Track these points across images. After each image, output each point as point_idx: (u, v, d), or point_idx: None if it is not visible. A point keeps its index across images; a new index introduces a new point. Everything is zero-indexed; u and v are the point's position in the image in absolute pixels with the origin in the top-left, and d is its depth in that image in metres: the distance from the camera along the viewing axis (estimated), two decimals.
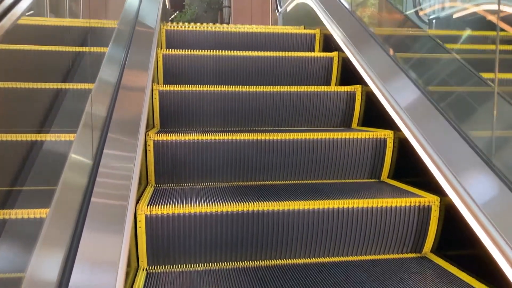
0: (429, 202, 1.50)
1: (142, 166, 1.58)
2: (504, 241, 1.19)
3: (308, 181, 1.86)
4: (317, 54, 2.64)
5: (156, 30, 2.45)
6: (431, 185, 1.54)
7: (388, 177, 1.90)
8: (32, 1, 1.23)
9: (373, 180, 1.89)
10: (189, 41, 2.91)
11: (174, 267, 1.40)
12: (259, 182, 1.83)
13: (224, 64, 2.50)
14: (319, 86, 2.22)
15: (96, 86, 1.59)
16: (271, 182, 1.84)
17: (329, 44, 2.80)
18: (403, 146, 1.78)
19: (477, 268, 1.32)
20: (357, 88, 2.21)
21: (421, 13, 2.79)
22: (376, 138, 1.86)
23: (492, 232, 1.22)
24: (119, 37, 2.05)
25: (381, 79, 2.02)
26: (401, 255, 1.52)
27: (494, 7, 1.95)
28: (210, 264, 1.43)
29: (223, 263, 1.43)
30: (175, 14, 10.56)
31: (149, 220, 1.38)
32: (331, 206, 1.47)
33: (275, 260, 1.46)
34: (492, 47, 1.52)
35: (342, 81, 2.54)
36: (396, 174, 1.87)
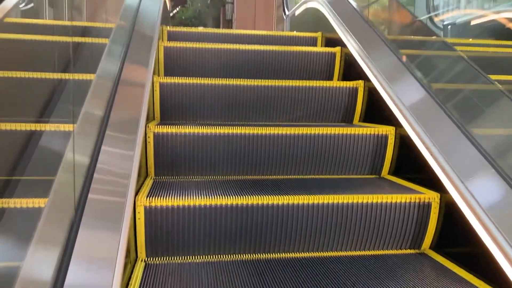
0: (429, 198, 1.50)
1: (142, 158, 1.57)
2: (504, 238, 1.18)
3: (308, 176, 1.85)
4: (319, 49, 2.63)
5: (157, 25, 2.44)
6: (431, 182, 1.53)
7: (388, 173, 1.89)
8: None
9: (373, 176, 1.89)
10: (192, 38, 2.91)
11: (172, 258, 1.40)
12: (259, 176, 1.83)
13: (226, 57, 2.49)
14: (321, 81, 2.21)
15: (97, 76, 1.59)
16: (271, 176, 1.83)
17: (333, 41, 2.79)
18: (404, 142, 1.78)
19: (475, 265, 1.31)
20: (360, 84, 2.20)
21: (436, 19, 2.77)
22: (378, 134, 1.85)
23: (492, 229, 1.22)
24: (120, 30, 2.05)
25: (384, 75, 2.01)
26: (400, 251, 1.51)
27: None
28: (209, 256, 1.43)
29: (222, 256, 1.43)
30: (177, 9, 10.54)
31: (148, 211, 1.37)
32: (330, 201, 1.46)
33: (274, 254, 1.46)
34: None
35: (345, 77, 2.54)
36: (396, 170, 1.86)
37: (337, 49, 2.58)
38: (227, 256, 1.43)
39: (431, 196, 1.50)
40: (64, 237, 0.98)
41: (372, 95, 2.12)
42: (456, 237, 1.42)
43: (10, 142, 1.37)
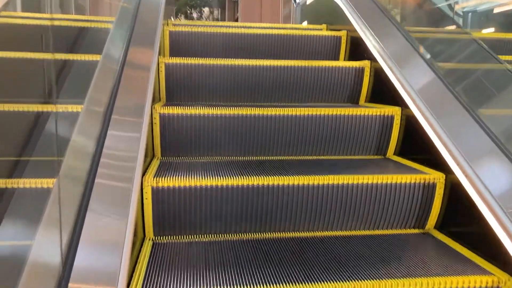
0: (434, 179, 1.50)
1: (148, 139, 1.59)
2: (508, 219, 1.19)
3: (313, 157, 1.86)
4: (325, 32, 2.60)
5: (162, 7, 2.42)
6: (437, 162, 1.54)
7: (394, 154, 1.89)
8: None
9: (379, 156, 1.89)
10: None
11: (179, 237, 1.43)
12: (264, 157, 1.84)
13: (232, 40, 2.48)
14: (327, 61, 2.19)
15: (103, 57, 1.59)
16: (276, 157, 1.84)
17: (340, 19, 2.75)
18: (410, 123, 1.77)
19: (479, 245, 1.33)
20: (366, 64, 2.18)
21: (457, 7, 2.69)
22: (384, 115, 1.84)
23: (497, 210, 1.22)
24: (125, 12, 2.03)
25: (391, 55, 1.99)
26: (404, 231, 1.53)
27: None
28: (215, 235, 1.45)
29: (228, 235, 1.45)
30: None
31: (155, 192, 1.39)
32: (335, 182, 1.47)
33: (279, 233, 1.48)
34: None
35: (350, 57, 2.52)
36: (402, 151, 1.86)
37: (342, 33, 2.56)
38: (233, 235, 1.46)
39: (436, 177, 1.50)
40: (72, 220, 1.00)
41: (379, 76, 2.10)
42: (460, 217, 1.43)
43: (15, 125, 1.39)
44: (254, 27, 2.72)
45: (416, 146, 1.75)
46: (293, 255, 1.30)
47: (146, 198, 1.38)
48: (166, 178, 1.40)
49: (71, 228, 0.98)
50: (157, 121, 1.73)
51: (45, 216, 0.97)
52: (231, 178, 1.44)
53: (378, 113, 1.84)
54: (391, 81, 1.91)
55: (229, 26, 2.63)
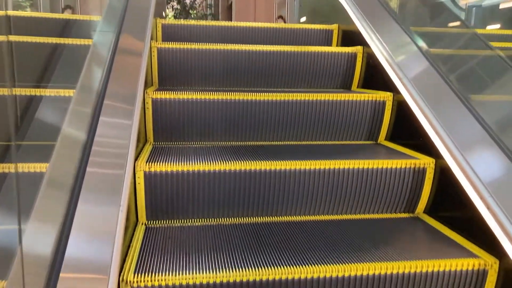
0: (424, 164, 1.52)
1: (141, 124, 1.58)
2: (496, 203, 1.22)
3: (306, 142, 1.87)
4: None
5: None
6: (427, 148, 1.55)
7: (385, 140, 1.91)
8: None
9: (370, 142, 1.91)
10: None
11: (172, 222, 1.44)
12: (257, 142, 1.84)
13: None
14: (320, 47, 2.19)
15: (95, 41, 1.58)
16: (269, 142, 1.85)
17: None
18: (401, 108, 1.78)
19: (467, 229, 1.35)
20: (358, 50, 2.18)
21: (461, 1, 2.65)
22: (375, 100, 1.85)
23: (485, 195, 1.25)
24: None
25: (383, 40, 1.99)
26: (394, 215, 1.55)
27: None
28: (208, 219, 1.46)
29: (220, 219, 1.47)
30: None
31: (148, 176, 1.40)
32: (327, 167, 1.48)
33: (272, 217, 1.49)
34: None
35: (343, 43, 2.52)
36: (393, 136, 1.88)
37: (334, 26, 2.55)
38: (226, 219, 1.47)
39: (426, 162, 1.52)
40: (63, 209, 1.00)
41: (371, 61, 2.10)
42: (450, 202, 1.46)
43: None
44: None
45: (407, 131, 1.76)
46: (285, 239, 1.31)
47: (139, 183, 1.39)
48: (158, 163, 1.41)
49: (62, 217, 0.98)
50: (149, 106, 1.73)
51: (37, 204, 0.97)
52: (223, 163, 1.44)
53: (370, 98, 1.85)
54: (383, 66, 1.92)
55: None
